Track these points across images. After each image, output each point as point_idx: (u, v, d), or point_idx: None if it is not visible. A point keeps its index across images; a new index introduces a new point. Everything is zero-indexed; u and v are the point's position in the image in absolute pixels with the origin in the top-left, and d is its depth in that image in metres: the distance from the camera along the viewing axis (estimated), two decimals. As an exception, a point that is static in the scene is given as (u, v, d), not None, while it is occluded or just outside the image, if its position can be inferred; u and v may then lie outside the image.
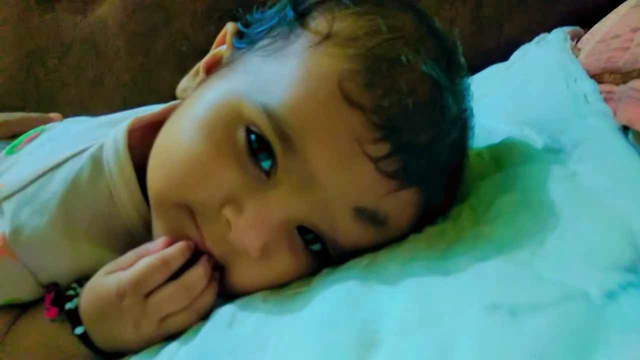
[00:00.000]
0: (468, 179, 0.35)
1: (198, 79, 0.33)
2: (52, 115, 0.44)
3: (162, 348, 0.26)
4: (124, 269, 0.29)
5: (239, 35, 0.33)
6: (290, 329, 0.24)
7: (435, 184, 0.30)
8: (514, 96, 0.45)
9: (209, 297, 0.29)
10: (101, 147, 0.31)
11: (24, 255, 0.29)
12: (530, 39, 0.56)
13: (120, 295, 0.27)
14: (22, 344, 0.29)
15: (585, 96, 0.38)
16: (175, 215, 0.29)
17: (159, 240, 0.29)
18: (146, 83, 0.66)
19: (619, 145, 0.31)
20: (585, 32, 0.52)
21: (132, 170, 0.31)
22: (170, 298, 0.28)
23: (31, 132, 0.37)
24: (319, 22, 0.29)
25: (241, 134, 0.27)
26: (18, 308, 0.31)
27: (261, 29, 0.31)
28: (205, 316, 0.28)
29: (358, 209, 0.28)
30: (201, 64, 0.33)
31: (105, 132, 0.32)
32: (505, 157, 0.35)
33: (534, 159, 0.33)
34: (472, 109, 0.34)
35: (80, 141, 0.32)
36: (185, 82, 0.34)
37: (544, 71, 0.46)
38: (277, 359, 0.23)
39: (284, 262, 0.29)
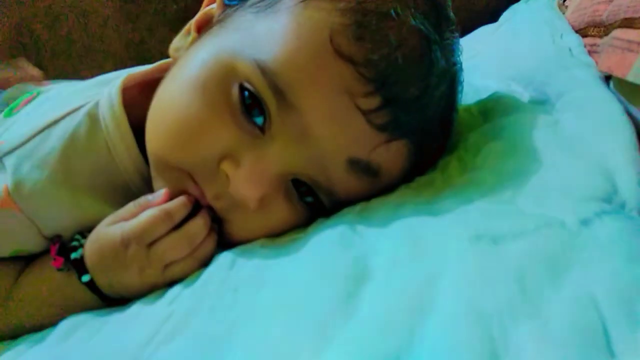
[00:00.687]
0: (457, 132, 0.36)
1: (190, 38, 0.33)
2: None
3: (165, 291, 0.28)
4: (126, 219, 0.30)
5: None
6: (288, 267, 0.25)
7: (425, 136, 0.31)
8: (502, 54, 0.45)
9: (209, 246, 0.30)
10: (97, 104, 0.32)
11: (27, 208, 0.29)
12: (519, -1, 0.56)
13: (125, 244, 0.28)
14: (30, 293, 0.31)
15: (570, 50, 0.39)
16: (174, 175, 0.30)
17: (160, 192, 0.30)
18: (136, 51, 0.66)
19: (600, 93, 0.32)
20: (573, -10, 0.52)
21: (128, 126, 0.32)
22: (173, 247, 0.29)
23: (28, 95, 0.37)
24: None
25: (235, 91, 0.28)
26: (23, 260, 0.32)
27: None
28: (206, 263, 0.29)
29: (351, 161, 0.29)
30: (192, 23, 0.33)
31: (100, 90, 0.33)
32: (493, 110, 0.36)
33: (520, 109, 0.34)
34: (461, 63, 0.34)
35: (77, 99, 0.33)
36: (177, 42, 0.34)
37: (531, 28, 0.46)
38: (277, 294, 0.24)
39: (280, 213, 0.30)
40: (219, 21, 0.32)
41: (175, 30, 0.35)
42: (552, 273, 0.20)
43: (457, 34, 0.34)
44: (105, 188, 0.31)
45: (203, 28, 0.33)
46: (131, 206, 0.30)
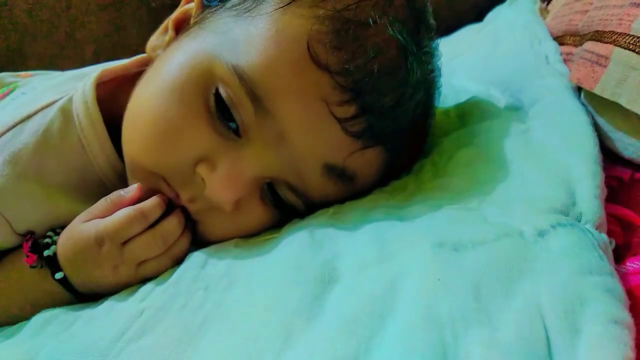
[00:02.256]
0: (434, 135, 0.37)
1: (167, 36, 0.33)
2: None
3: (137, 289, 0.28)
4: (100, 216, 0.30)
5: None
6: (258, 268, 0.26)
7: (399, 143, 0.31)
8: (483, 57, 0.46)
9: (183, 244, 0.30)
10: (70, 99, 0.31)
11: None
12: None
13: (99, 242, 0.29)
14: (3, 289, 0.31)
15: (546, 57, 0.40)
16: (149, 178, 0.30)
17: (133, 187, 0.30)
18: (118, 38, 0.65)
19: (570, 103, 0.33)
20: (557, -5, 0.52)
21: (102, 123, 0.31)
22: (147, 246, 0.29)
23: (4, 89, 0.37)
24: None
25: (211, 96, 0.28)
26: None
27: None
28: (179, 261, 0.30)
29: (327, 166, 0.29)
30: (170, 21, 0.33)
31: (75, 85, 0.32)
32: (470, 114, 0.37)
33: (494, 116, 0.35)
34: (439, 70, 0.35)
35: (51, 94, 0.32)
36: (154, 40, 0.33)
37: (512, 32, 0.47)
38: (246, 294, 0.25)
39: (255, 215, 0.30)
40: (197, 22, 0.31)
41: (158, 19, 0.34)
42: (506, 282, 0.21)
43: (436, 41, 0.34)
44: (79, 185, 0.31)
45: (181, 27, 0.33)
46: (104, 202, 0.30)
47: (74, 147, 0.31)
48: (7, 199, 0.29)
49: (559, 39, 0.42)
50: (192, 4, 0.33)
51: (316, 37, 0.27)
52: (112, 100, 0.32)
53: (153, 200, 0.29)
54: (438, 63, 0.34)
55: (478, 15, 0.57)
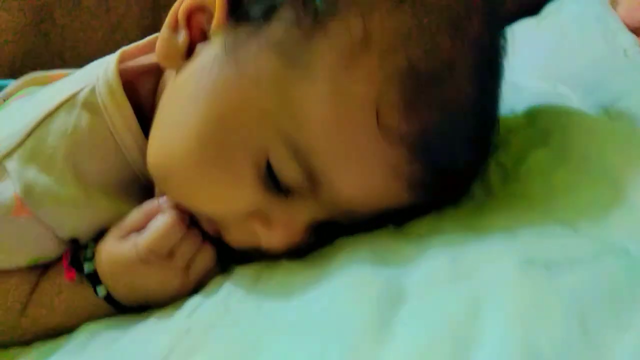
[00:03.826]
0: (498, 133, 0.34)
1: (181, 39, 0.27)
2: None
3: (184, 302, 0.27)
4: (135, 230, 0.28)
5: None
6: (315, 285, 0.24)
7: (458, 189, 0.29)
8: (547, 52, 0.43)
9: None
10: (93, 90, 0.29)
11: (40, 212, 0.28)
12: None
13: (145, 261, 0.27)
14: (46, 304, 0.30)
15: (624, 50, 0.36)
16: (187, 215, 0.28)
17: (163, 199, 0.28)
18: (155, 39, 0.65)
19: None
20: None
21: (133, 115, 0.29)
22: (192, 245, 0.28)
23: (20, 93, 0.36)
24: (350, 17, 0.23)
25: (262, 160, 0.25)
26: (40, 268, 0.31)
27: (265, 2, 0.25)
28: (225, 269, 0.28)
29: (381, 211, 0.27)
30: (180, 15, 0.27)
31: (94, 72, 0.30)
32: (539, 112, 0.34)
33: (569, 113, 0.32)
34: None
35: (70, 85, 0.30)
36: (165, 45, 0.27)
37: (580, 25, 0.43)
38: (303, 312, 0.22)
39: (304, 241, 0.28)
40: (229, 47, 0.25)
41: None
42: (616, 311, 0.17)
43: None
44: (118, 182, 0.30)
45: (193, 24, 0.27)
46: (136, 214, 0.28)
47: (106, 142, 0.29)
48: (49, 207, 0.28)
49: (637, 31, 0.38)
50: None
51: (385, 104, 0.23)
52: (135, 86, 0.30)
53: None
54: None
55: (535, 8, 0.54)
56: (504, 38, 0.29)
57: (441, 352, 0.18)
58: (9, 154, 0.28)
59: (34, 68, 0.42)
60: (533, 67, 0.41)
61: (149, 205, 0.28)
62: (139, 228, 0.28)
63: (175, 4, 0.27)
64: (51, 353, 0.26)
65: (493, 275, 0.20)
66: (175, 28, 0.27)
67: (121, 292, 0.28)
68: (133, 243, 0.28)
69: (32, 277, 0.30)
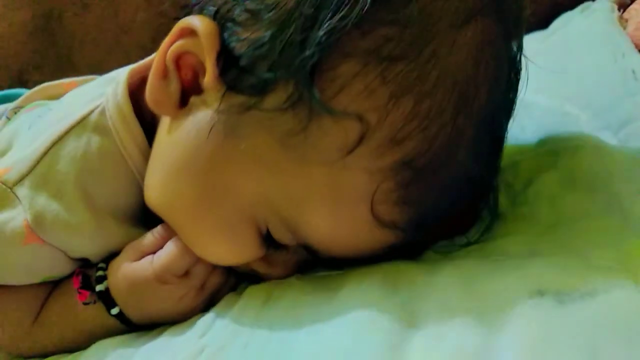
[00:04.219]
0: (504, 150, 0.34)
1: (172, 87, 0.26)
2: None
3: (197, 320, 0.27)
4: (150, 252, 0.28)
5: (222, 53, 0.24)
6: (326, 308, 0.24)
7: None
8: (554, 68, 0.42)
9: None
10: (102, 111, 0.29)
11: (51, 239, 0.28)
12: (572, 6, 0.53)
13: (162, 280, 0.27)
14: (56, 320, 0.30)
15: (633, 72, 0.36)
16: None
17: None
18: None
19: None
20: (632, 2, 0.48)
21: (143, 136, 0.29)
22: (207, 265, 0.28)
23: (31, 105, 0.35)
24: (346, 116, 0.22)
25: (262, 228, 0.26)
26: (51, 284, 0.31)
27: (259, 76, 0.23)
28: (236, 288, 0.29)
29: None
30: (167, 61, 0.26)
31: (103, 92, 0.30)
32: (547, 133, 0.34)
33: (578, 135, 0.32)
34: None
35: (79, 106, 0.30)
36: (157, 92, 0.26)
37: (589, 43, 0.43)
38: (314, 336, 0.22)
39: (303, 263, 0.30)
40: (225, 113, 0.24)
41: None
42: (628, 346, 0.18)
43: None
44: (126, 206, 0.30)
45: (183, 70, 0.26)
46: (151, 237, 0.29)
47: (117, 163, 0.29)
48: (59, 233, 0.28)
49: (646, 52, 0.38)
50: (187, 42, 0.25)
51: (380, 197, 0.24)
52: (145, 104, 0.29)
53: None
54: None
55: (542, 23, 0.54)
56: (514, 87, 0.28)
57: (454, 383, 0.18)
58: (19, 181, 0.28)
59: (42, 70, 0.41)
60: (540, 83, 0.41)
61: (164, 228, 0.29)
62: (154, 251, 0.28)
63: (160, 51, 0.26)
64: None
65: (505, 306, 0.20)
66: (165, 75, 0.26)
67: (134, 311, 0.28)
68: (148, 262, 0.28)
69: (43, 292, 0.30)
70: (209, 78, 0.24)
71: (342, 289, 0.25)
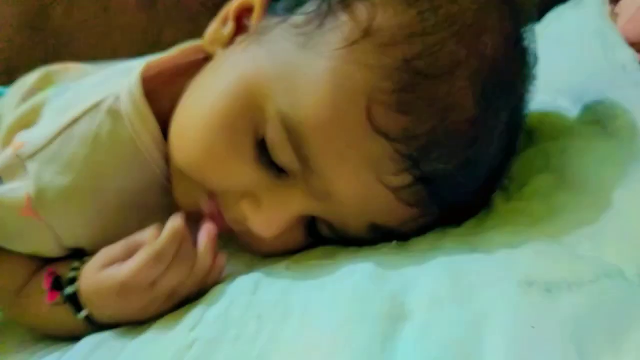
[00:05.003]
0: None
1: (227, 30, 0.30)
2: None
3: (186, 313, 0.26)
4: (118, 259, 0.27)
5: None
6: (316, 298, 0.24)
7: (464, 205, 0.28)
8: (547, 62, 0.43)
9: (218, 269, 0.28)
10: (117, 98, 0.30)
11: (49, 216, 0.28)
12: (564, 0, 0.53)
13: (126, 291, 0.27)
14: (31, 310, 0.30)
15: (623, 66, 0.37)
16: (193, 190, 0.29)
17: (150, 232, 0.28)
18: (155, 39, 0.64)
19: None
20: (623, -4, 0.49)
21: (154, 119, 0.30)
22: (176, 276, 0.27)
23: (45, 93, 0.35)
24: (360, 9, 0.25)
25: (260, 137, 0.27)
26: (40, 261, 0.31)
27: None
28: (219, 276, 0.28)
29: (375, 226, 0.27)
30: (231, 11, 0.31)
31: (119, 81, 0.31)
32: (539, 130, 0.34)
33: (570, 132, 0.32)
34: (530, 86, 0.30)
35: (96, 92, 0.31)
36: (213, 33, 0.31)
37: (580, 37, 0.44)
38: (304, 326, 0.22)
39: (296, 239, 0.30)
40: (260, 32, 0.29)
41: (195, 21, 0.33)
42: (613, 335, 0.18)
43: (533, 49, 0.29)
44: (134, 193, 0.30)
45: (242, 20, 0.30)
46: (124, 244, 0.28)
47: (128, 149, 0.30)
48: (59, 211, 0.28)
49: (637, 46, 0.38)
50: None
51: (378, 97, 0.24)
52: (161, 94, 0.30)
53: (168, 236, 0.27)
54: (531, 83, 0.30)
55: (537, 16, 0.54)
56: (528, 66, 0.29)
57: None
58: (32, 155, 0.29)
59: (30, 66, 0.41)
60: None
61: (135, 237, 0.28)
62: (124, 259, 0.27)
63: (230, 3, 0.31)
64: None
65: (494, 296, 0.21)
66: (225, 21, 0.31)
67: (101, 317, 0.28)
68: (115, 272, 0.27)
69: (30, 266, 0.30)
70: (257, 12, 0.29)
71: (333, 279, 0.25)
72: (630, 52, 0.37)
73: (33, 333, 0.32)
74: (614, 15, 0.46)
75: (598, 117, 0.33)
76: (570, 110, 0.35)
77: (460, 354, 0.19)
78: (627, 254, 0.22)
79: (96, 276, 0.28)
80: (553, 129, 0.33)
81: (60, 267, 0.30)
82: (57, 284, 0.29)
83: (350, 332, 0.21)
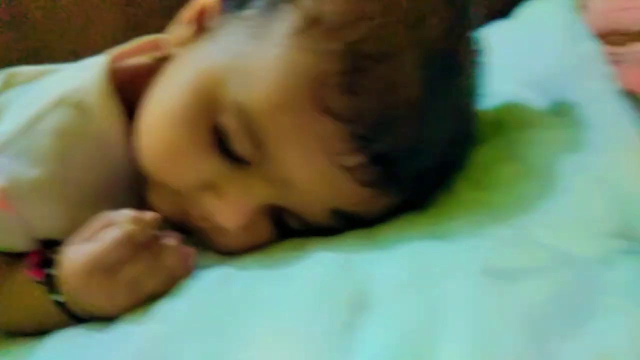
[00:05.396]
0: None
1: (190, 31, 0.31)
2: None
3: (155, 305, 0.26)
4: (88, 239, 0.27)
5: None
6: (283, 289, 0.24)
7: (423, 184, 0.28)
8: (516, 56, 0.43)
9: (187, 268, 0.28)
10: (84, 90, 0.30)
11: (23, 207, 0.28)
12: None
13: (89, 272, 0.26)
14: (6, 303, 0.29)
15: (587, 58, 0.37)
16: (161, 190, 0.29)
17: (123, 213, 0.27)
18: (135, 35, 0.63)
19: (615, 110, 0.30)
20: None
21: (120, 110, 0.30)
22: (143, 270, 0.27)
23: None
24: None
25: (217, 126, 0.27)
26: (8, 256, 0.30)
27: None
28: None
29: (335, 211, 0.28)
30: (192, 13, 0.31)
31: (84, 75, 0.31)
32: (505, 120, 0.34)
33: (534, 123, 0.33)
34: (481, 73, 0.31)
35: (59, 86, 0.31)
36: (179, 35, 0.32)
37: (547, 30, 0.44)
38: (271, 317, 0.23)
39: (262, 232, 0.30)
40: (216, 28, 0.30)
41: (174, 15, 0.33)
42: (570, 321, 0.18)
43: (477, 44, 0.31)
44: (102, 183, 0.30)
45: (202, 21, 0.31)
46: (95, 223, 0.28)
47: (95, 140, 0.30)
48: (33, 202, 0.28)
49: (603, 38, 0.39)
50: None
51: (325, 80, 0.25)
52: (124, 91, 0.31)
53: (141, 221, 0.27)
54: (480, 69, 0.31)
55: (507, 10, 0.55)
56: (474, 53, 0.30)
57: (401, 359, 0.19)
58: (1, 150, 0.29)
59: (11, 65, 0.40)
60: (502, 70, 0.42)
61: (108, 215, 0.28)
62: (92, 237, 0.27)
63: (191, 6, 0.32)
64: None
65: (454, 284, 0.21)
66: (188, 23, 0.31)
67: (74, 305, 0.27)
68: (84, 250, 0.27)
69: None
70: (210, 14, 0.30)
71: (300, 270, 0.25)
72: (594, 44, 0.38)
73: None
74: (582, 8, 0.46)
75: (561, 108, 0.34)
76: (536, 101, 0.36)
77: (419, 342, 0.19)
78: (582, 241, 0.22)
79: (67, 255, 0.27)
80: (519, 120, 0.34)
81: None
82: (46, 263, 0.28)
83: (310, 322, 0.21)
